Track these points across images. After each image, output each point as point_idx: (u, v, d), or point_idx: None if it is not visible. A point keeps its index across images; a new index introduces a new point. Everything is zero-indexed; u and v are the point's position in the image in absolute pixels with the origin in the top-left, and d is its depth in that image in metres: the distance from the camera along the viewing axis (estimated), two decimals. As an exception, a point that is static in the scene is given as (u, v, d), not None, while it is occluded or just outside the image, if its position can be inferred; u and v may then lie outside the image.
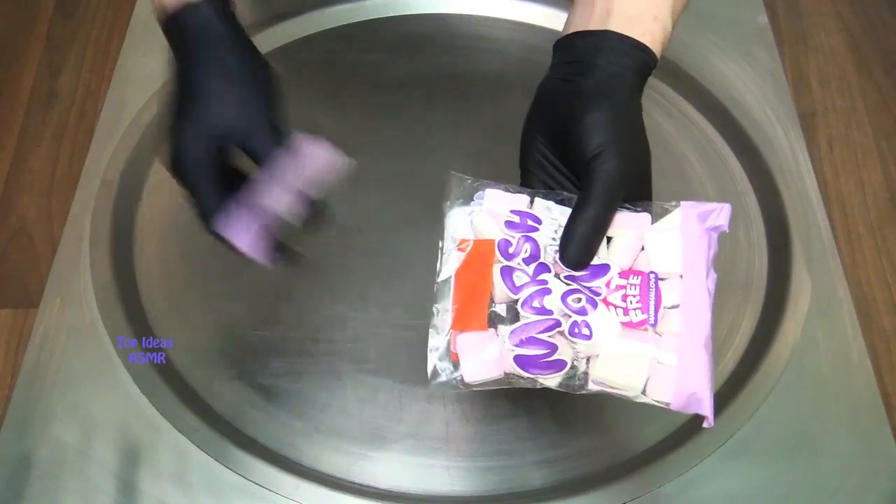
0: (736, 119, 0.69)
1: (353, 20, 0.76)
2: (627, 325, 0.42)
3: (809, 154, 0.68)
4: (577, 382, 0.42)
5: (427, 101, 0.71)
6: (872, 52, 0.82)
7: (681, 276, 0.43)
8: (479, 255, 0.44)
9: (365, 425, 0.54)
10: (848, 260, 0.66)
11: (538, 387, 0.43)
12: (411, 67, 0.73)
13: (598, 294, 0.42)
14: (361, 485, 0.52)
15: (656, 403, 0.41)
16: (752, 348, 0.58)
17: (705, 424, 0.41)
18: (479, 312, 0.43)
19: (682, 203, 0.44)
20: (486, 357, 0.42)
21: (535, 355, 0.42)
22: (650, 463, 0.52)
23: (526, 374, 0.42)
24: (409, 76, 0.72)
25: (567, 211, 0.44)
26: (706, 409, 0.41)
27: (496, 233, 0.44)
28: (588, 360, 0.42)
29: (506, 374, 0.43)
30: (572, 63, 0.46)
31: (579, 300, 0.42)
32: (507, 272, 0.43)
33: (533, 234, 0.44)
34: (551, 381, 0.42)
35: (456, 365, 0.43)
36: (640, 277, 0.43)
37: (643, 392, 0.42)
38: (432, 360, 0.44)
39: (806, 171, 0.66)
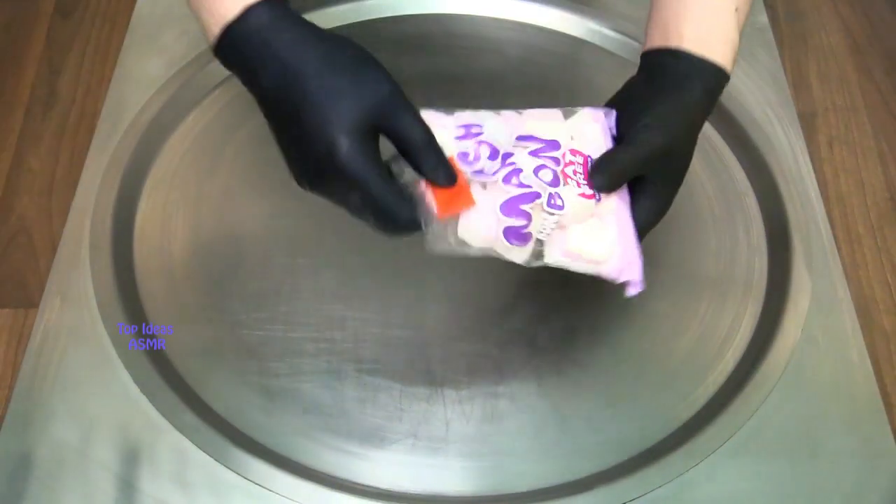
0: (736, 119, 0.69)
1: (353, 20, 0.76)
2: (584, 196, 0.46)
3: (809, 154, 0.68)
4: (533, 257, 0.47)
5: (427, 101, 0.71)
6: (872, 52, 0.82)
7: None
8: None
9: (365, 425, 0.54)
10: (848, 260, 0.66)
11: (499, 257, 0.46)
12: (411, 67, 0.73)
13: (557, 163, 0.47)
14: (361, 485, 0.52)
15: (597, 274, 0.47)
16: (752, 348, 0.58)
17: (631, 291, 0.47)
18: (462, 193, 0.45)
19: (584, 108, 0.50)
20: (483, 216, 0.46)
21: (517, 226, 0.45)
22: (650, 463, 0.52)
23: (508, 245, 0.46)
24: (409, 76, 0.72)
25: (492, 115, 0.49)
26: (637, 273, 0.47)
27: (450, 148, 0.46)
28: (548, 235, 0.46)
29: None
30: (652, 69, 0.50)
31: (547, 175, 0.46)
32: (476, 174, 0.46)
33: (483, 137, 0.47)
34: (519, 255, 0.46)
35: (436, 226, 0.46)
36: (582, 157, 0.48)
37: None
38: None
39: (806, 171, 0.66)
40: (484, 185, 0.46)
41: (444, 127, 0.47)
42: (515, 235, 0.45)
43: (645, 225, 0.49)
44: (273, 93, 0.44)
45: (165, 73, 0.70)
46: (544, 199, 0.46)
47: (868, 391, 0.56)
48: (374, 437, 0.54)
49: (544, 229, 0.46)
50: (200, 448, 0.52)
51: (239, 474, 0.51)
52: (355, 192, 0.43)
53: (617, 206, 0.47)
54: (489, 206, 0.45)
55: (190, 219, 0.63)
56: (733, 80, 0.72)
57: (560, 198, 0.46)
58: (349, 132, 0.42)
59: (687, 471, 0.52)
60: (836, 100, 0.78)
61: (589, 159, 0.47)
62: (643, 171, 0.48)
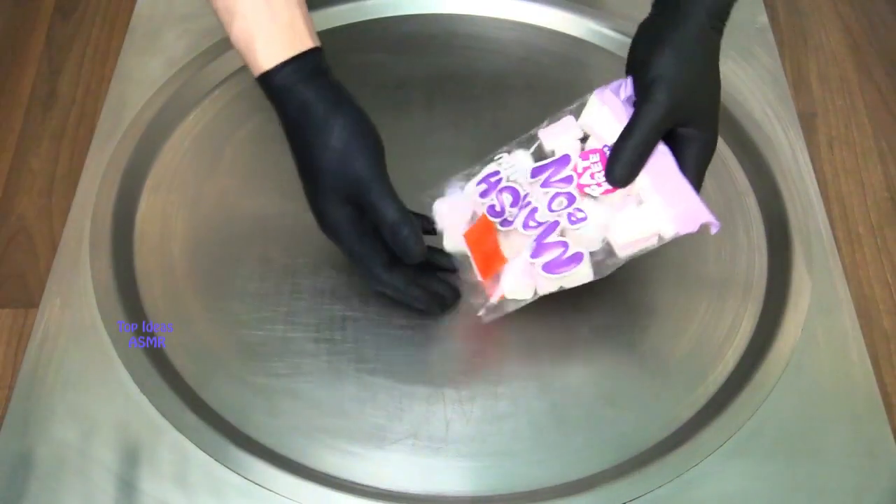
0: (736, 119, 0.69)
1: (353, 20, 0.76)
2: (608, 192, 0.48)
3: (809, 154, 0.68)
4: (602, 266, 0.49)
5: (427, 101, 0.71)
6: (872, 52, 0.83)
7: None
8: (478, 226, 0.52)
9: (365, 425, 0.54)
10: (848, 260, 0.66)
11: (568, 286, 0.50)
12: (411, 67, 0.73)
13: (570, 181, 0.49)
14: (361, 485, 0.52)
15: (668, 239, 0.48)
16: (752, 348, 0.58)
17: (713, 230, 0.48)
18: (495, 254, 0.50)
19: (594, 91, 0.51)
20: (519, 272, 0.50)
21: (555, 258, 0.48)
22: (650, 463, 0.52)
23: (554, 276, 0.49)
24: (409, 76, 0.72)
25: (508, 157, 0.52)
26: (706, 216, 0.47)
27: (479, 209, 0.51)
28: (605, 241, 0.49)
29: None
30: (659, 3, 0.51)
31: (562, 202, 0.49)
32: (504, 224, 0.50)
33: (502, 183, 0.51)
34: (581, 275, 0.49)
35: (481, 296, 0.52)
36: (597, 154, 0.49)
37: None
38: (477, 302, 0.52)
39: (806, 171, 0.66)
40: (518, 252, 0.50)
41: (466, 196, 0.52)
42: (558, 264, 0.48)
43: (697, 170, 0.49)
44: (287, 136, 0.52)
45: (165, 73, 0.70)
46: (564, 222, 0.48)
47: (868, 391, 0.56)
48: (374, 437, 0.54)
49: (588, 243, 0.48)
50: (200, 448, 0.52)
51: (239, 474, 0.51)
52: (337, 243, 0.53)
53: (653, 173, 0.48)
54: (518, 263, 0.49)
55: (190, 219, 0.63)
56: (733, 80, 0.73)
57: (580, 210, 0.48)
58: (326, 200, 0.51)
59: (687, 471, 0.52)
60: (836, 100, 0.78)
61: (606, 149, 0.48)
62: (666, 127, 0.47)
